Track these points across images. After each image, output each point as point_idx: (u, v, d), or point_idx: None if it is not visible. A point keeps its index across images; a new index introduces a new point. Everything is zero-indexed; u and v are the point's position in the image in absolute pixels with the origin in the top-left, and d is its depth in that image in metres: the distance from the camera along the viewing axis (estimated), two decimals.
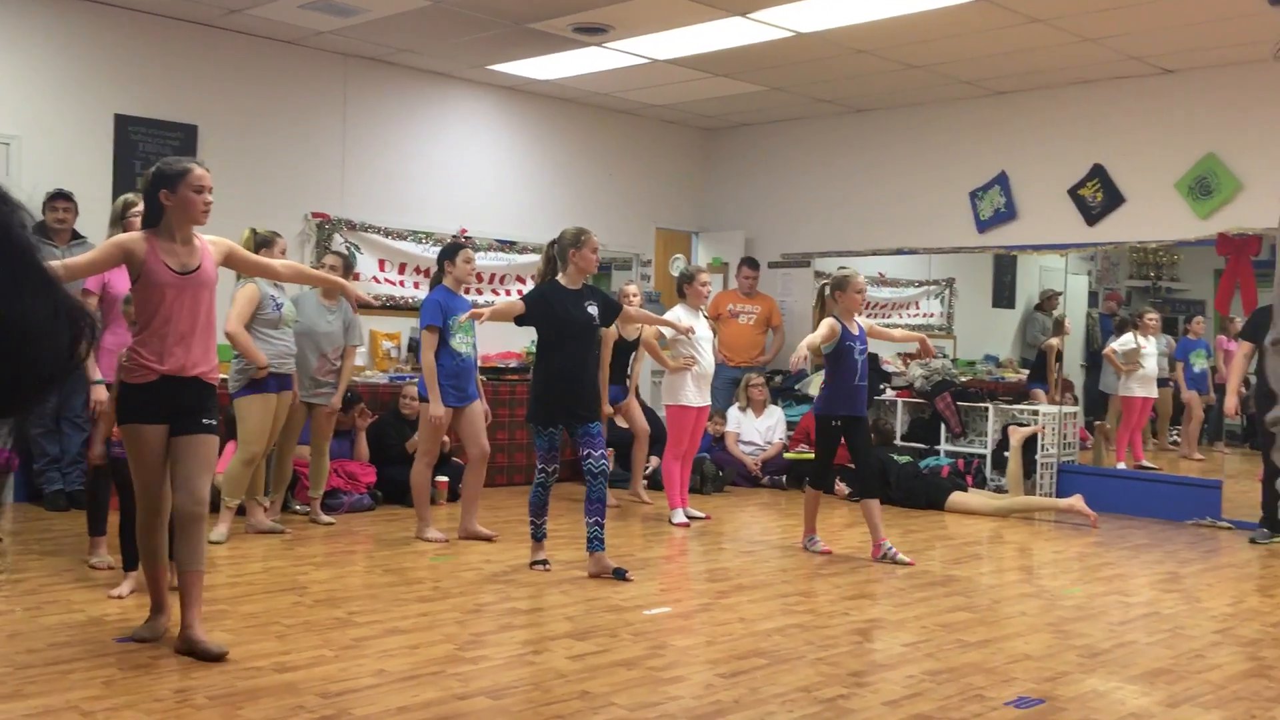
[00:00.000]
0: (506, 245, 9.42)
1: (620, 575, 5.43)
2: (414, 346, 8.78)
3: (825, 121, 10.15)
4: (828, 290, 6.31)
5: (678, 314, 7.12)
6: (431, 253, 8.96)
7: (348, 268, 7.00)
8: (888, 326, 10.65)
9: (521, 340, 9.41)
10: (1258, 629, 4.87)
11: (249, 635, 4.26)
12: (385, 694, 3.61)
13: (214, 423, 4.08)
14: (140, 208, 4.38)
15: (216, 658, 3.86)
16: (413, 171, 8.97)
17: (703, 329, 7.24)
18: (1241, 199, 7.85)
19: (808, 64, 8.41)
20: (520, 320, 5.59)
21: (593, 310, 5.62)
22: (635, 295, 7.76)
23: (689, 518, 7.22)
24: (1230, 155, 7.90)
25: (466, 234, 8.99)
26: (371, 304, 5.00)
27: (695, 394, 7.20)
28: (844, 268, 6.48)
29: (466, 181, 9.32)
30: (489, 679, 3.82)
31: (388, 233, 8.69)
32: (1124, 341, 9.33)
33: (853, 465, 6.38)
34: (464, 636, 4.37)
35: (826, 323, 6.13)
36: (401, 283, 8.82)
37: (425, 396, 6.17)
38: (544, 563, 5.66)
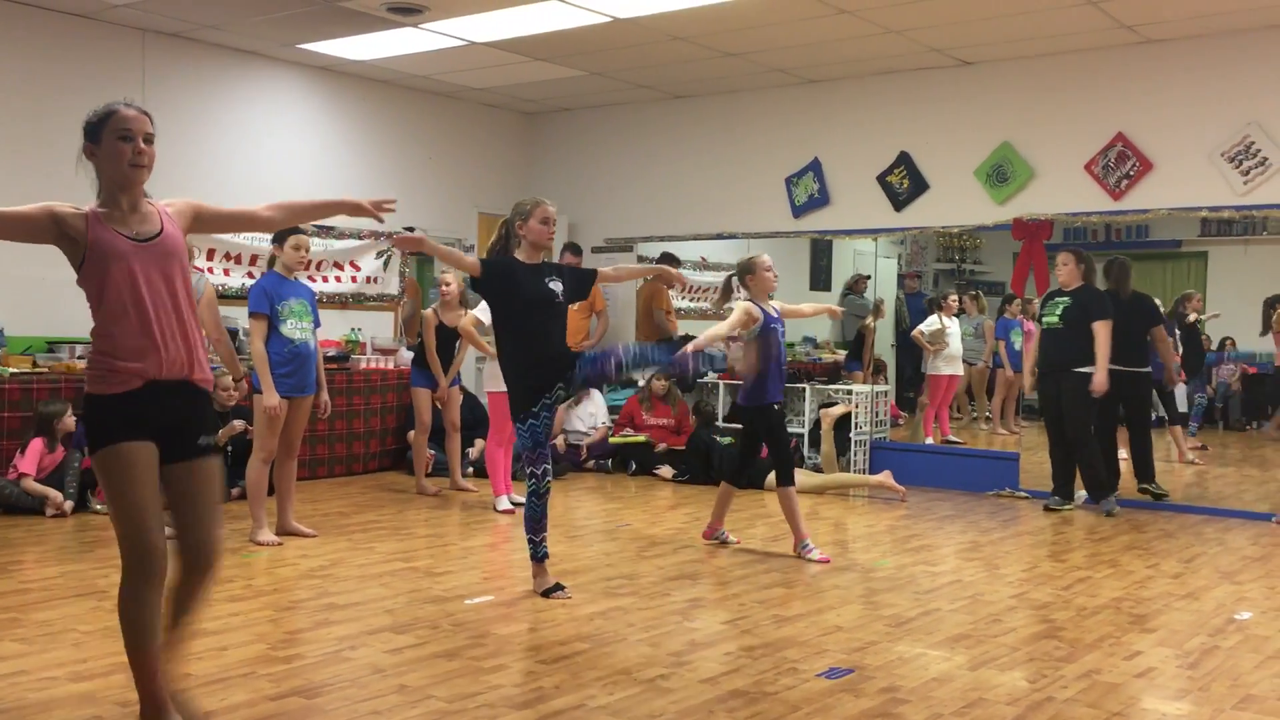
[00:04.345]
0: (324, 230, 9.15)
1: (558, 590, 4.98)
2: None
3: (646, 107, 10.23)
4: (735, 279, 5.95)
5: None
6: (243, 238, 8.64)
7: None
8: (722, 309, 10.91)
9: (340, 328, 9.18)
10: (1050, 593, 5.17)
11: (42, 643, 4.03)
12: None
13: (214, 442, 3.20)
14: None
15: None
16: (220, 154, 8.60)
17: None
18: (1034, 186, 8.30)
19: (626, 50, 8.45)
20: (475, 284, 4.99)
21: (555, 286, 4.98)
22: (450, 284, 7.69)
23: (513, 504, 7.19)
24: (1023, 144, 8.34)
25: None
26: None
27: None
28: (759, 255, 5.99)
29: (280, 165, 9.00)
30: (302, 678, 3.72)
31: None
32: (930, 323, 9.77)
33: (769, 453, 6.06)
34: (277, 635, 4.24)
35: (742, 307, 5.76)
36: (210, 269, 8.46)
37: (258, 388, 5.92)
38: (561, 588, 4.96)
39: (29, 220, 2.98)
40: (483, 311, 7.09)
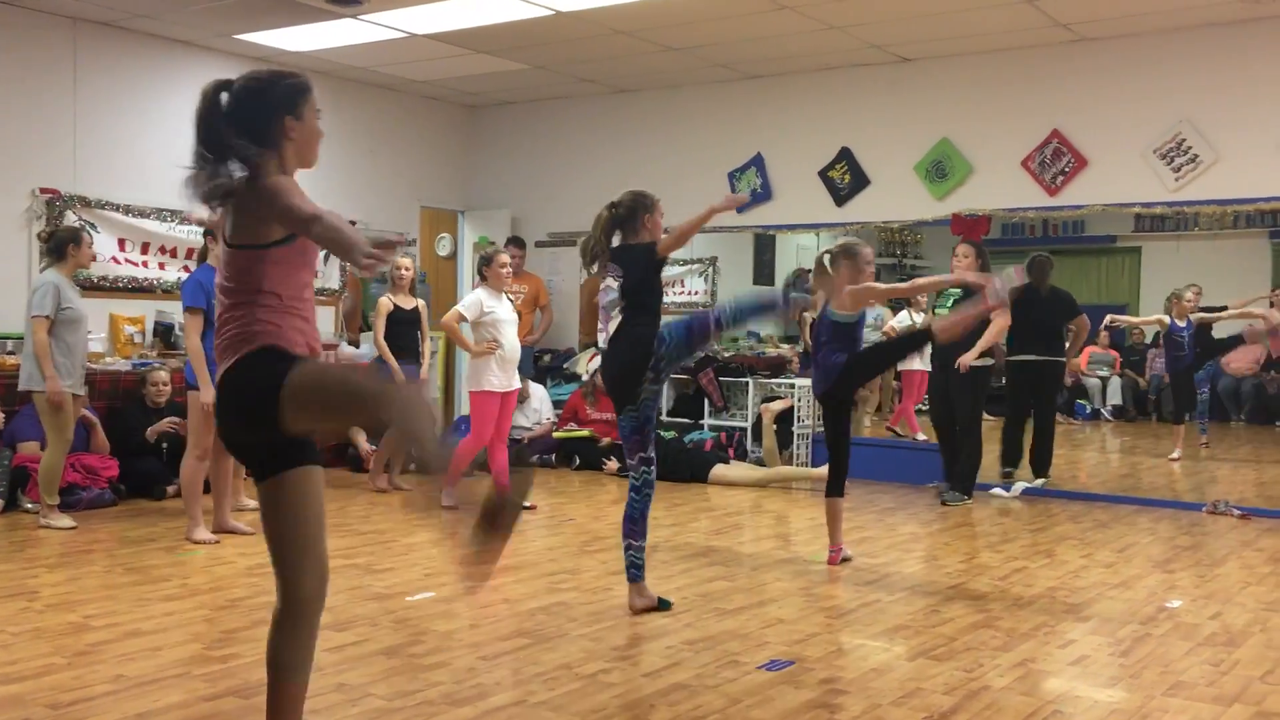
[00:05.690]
0: None
1: (665, 605, 4.66)
2: (159, 331, 8.30)
3: (589, 101, 10.21)
4: (829, 261, 5.63)
5: (479, 297, 6.91)
6: (178, 231, 8.48)
7: None
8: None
9: None
10: (987, 583, 5.24)
11: None
12: (123, 700, 3.40)
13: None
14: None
15: None
16: (154, 145, 8.41)
17: (505, 311, 7.01)
18: (972, 181, 8.41)
19: (569, 43, 8.42)
20: (662, 264, 4.91)
21: None
22: (409, 268, 7.61)
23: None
24: (961, 140, 8.44)
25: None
26: None
27: (500, 378, 6.96)
28: (863, 245, 5.66)
29: None
30: (238, 678, 3.66)
31: (128, 210, 8.14)
32: (900, 319, 9.89)
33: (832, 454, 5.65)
34: (213, 635, 4.17)
35: (877, 288, 5.53)
36: (145, 263, 8.30)
37: (193, 384, 5.81)
38: (667, 603, 4.66)
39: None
40: (466, 308, 6.91)
